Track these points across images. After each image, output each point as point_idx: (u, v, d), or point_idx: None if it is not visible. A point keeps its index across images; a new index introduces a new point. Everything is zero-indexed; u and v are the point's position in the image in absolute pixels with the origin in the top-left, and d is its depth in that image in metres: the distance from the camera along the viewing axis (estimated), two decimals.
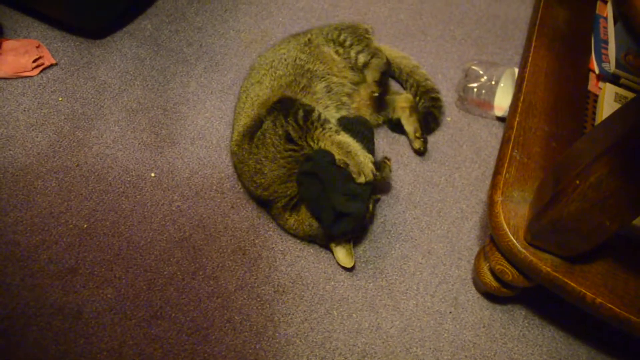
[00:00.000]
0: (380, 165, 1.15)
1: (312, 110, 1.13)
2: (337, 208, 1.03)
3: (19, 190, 1.20)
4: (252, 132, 1.17)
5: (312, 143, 1.11)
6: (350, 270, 1.16)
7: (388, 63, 1.36)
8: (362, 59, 1.33)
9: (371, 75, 1.33)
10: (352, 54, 1.33)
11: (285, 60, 1.29)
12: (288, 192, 1.13)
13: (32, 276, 1.09)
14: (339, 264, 1.16)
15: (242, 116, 1.25)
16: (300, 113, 1.12)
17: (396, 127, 1.39)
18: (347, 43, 1.34)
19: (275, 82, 1.24)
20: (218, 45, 1.53)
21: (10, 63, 1.36)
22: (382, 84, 1.34)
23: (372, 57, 1.33)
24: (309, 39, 1.34)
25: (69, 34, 1.48)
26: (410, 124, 1.35)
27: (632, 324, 0.90)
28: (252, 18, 1.61)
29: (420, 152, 1.35)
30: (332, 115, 1.23)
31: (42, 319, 1.04)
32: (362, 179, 1.06)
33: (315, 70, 1.27)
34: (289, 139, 1.12)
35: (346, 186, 1.04)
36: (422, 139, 1.34)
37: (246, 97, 1.27)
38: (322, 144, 1.10)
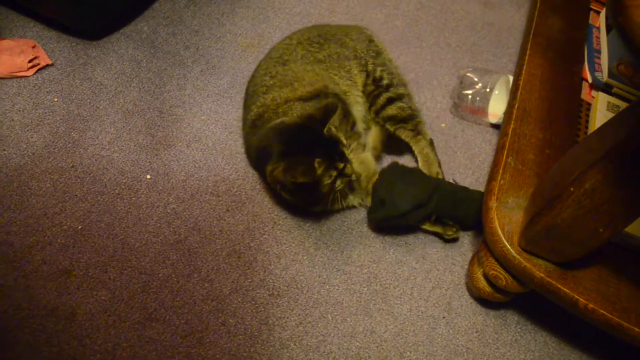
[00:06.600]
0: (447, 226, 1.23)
1: (355, 123, 1.27)
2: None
3: (13, 191, 1.19)
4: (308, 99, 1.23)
5: (346, 151, 1.19)
6: None
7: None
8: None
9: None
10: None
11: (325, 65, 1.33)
12: None
13: (26, 277, 1.08)
14: None
15: (281, 87, 1.26)
16: (351, 121, 1.26)
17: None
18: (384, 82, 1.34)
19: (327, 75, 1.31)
20: (215, 49, 1.53)
21: (5, 63, 1.36)
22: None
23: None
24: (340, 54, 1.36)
25: (65, 34, 1.48)
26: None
27: (623, 329, 0.91)
28: (249, 22, 1.61)
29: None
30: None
31: (35, 321, 1.04)
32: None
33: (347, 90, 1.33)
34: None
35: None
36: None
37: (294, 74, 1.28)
38: (351, 156, 1.19)
